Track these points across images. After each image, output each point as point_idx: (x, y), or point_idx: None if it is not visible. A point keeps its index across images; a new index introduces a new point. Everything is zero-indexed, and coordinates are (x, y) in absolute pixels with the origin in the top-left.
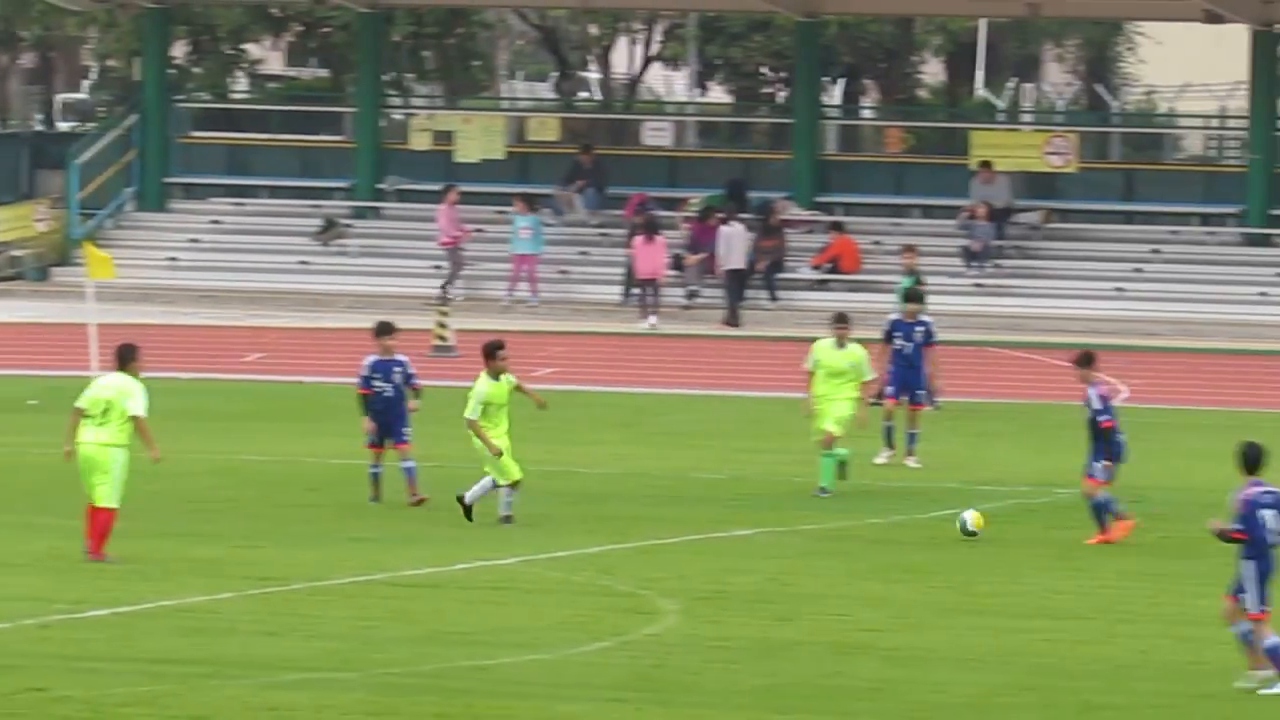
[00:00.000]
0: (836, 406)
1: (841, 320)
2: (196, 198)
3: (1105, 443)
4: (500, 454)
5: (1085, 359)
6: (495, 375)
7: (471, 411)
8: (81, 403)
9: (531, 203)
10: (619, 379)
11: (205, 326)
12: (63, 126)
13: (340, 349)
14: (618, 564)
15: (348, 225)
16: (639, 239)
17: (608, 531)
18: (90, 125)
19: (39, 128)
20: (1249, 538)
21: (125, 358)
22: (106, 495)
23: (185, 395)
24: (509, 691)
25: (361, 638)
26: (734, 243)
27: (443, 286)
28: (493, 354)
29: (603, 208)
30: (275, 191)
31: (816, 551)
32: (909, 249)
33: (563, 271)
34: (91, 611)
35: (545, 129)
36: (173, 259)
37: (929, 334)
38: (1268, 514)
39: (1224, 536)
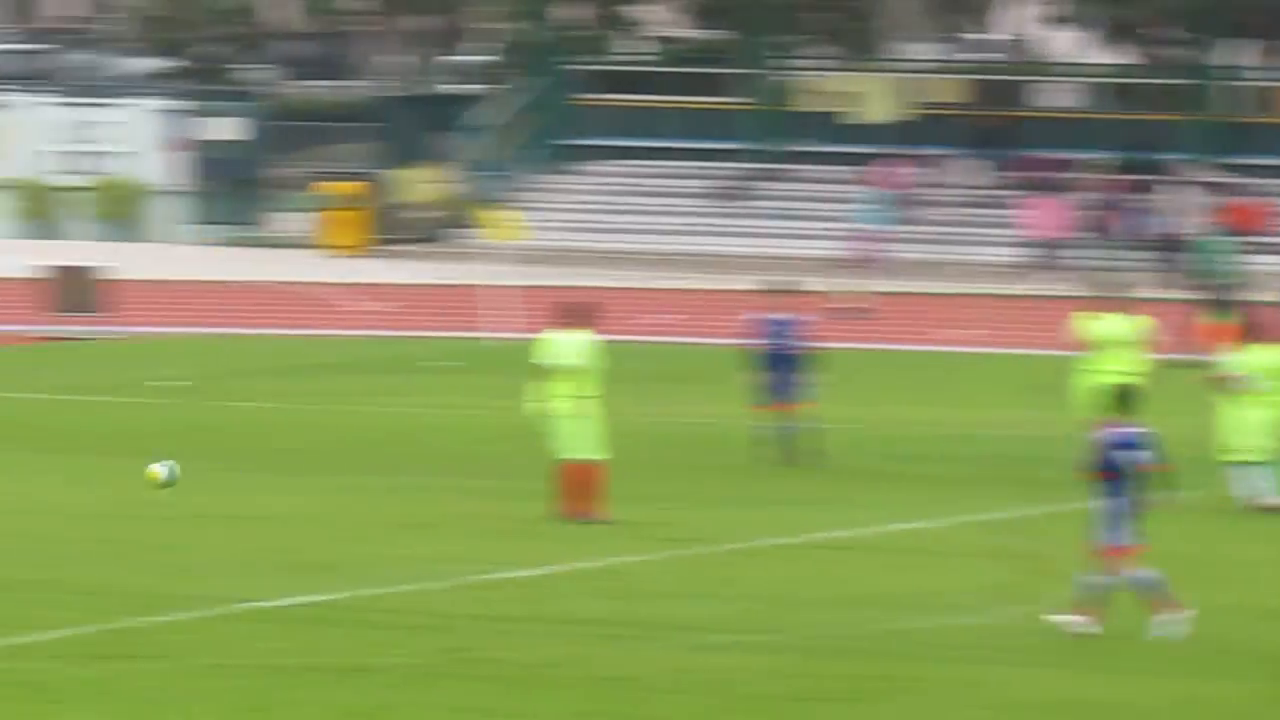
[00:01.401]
0: None
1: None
2: (591, 160)
3: None
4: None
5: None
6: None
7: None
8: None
9: (880, 178)
10: (1030, 341)
11: (603, 288)
12: (460, 89)
13: (739, 311)
14: (1046, 528)
15: (745, 187)
16: (1037, 199)
17: (1033, 496)
18: (487, 88)
19: (436, 90)
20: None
21: (577, 317)
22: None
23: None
24: (925, 655)
25: (782, 600)
26: (1185, 207)
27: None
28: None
29: (1000, 169)
30: (669, 154)
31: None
32: (1238, 209)
33: (953, 232)
34: (512, 572)
35: (943, 90)
36: (568, 221)
37: None
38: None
39: None
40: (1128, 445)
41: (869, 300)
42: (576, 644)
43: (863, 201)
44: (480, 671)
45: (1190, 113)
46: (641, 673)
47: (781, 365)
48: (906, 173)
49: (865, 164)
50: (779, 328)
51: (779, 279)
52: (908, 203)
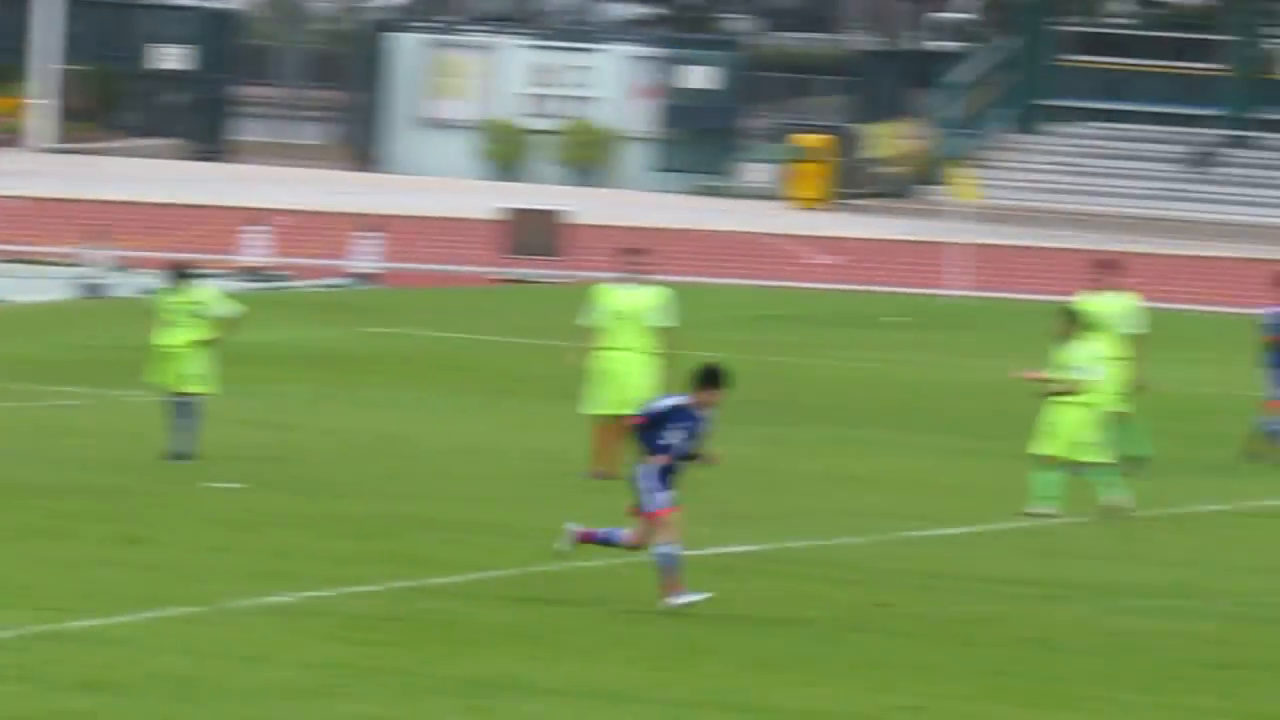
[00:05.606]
0: None
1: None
2: (1066, 121)
3: None
4: None
5: None
6: None
7: None
8: None
9: None
10: None
11: (1063, 250)
12: (938, 46)
13: (1208, 278)
14: None
15: (1223, 154)
16: None
17: None
18: (965, 45)
19: (913, 46)
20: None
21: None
22: None
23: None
24: None
25: (1209, 566)
26: None
27: None
28: None
29: None
30: (1147, 117)
31: None
32: None
33: None
34: (938, 530)
35: None
36: (1033, 181)
37: None
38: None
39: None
40: None
41: None
42: (997, 603)
43: None
44: (900, 627)
45: None
46: (1057, 634)
47: None
48: None
49: None
50: None
51: None
52: None
